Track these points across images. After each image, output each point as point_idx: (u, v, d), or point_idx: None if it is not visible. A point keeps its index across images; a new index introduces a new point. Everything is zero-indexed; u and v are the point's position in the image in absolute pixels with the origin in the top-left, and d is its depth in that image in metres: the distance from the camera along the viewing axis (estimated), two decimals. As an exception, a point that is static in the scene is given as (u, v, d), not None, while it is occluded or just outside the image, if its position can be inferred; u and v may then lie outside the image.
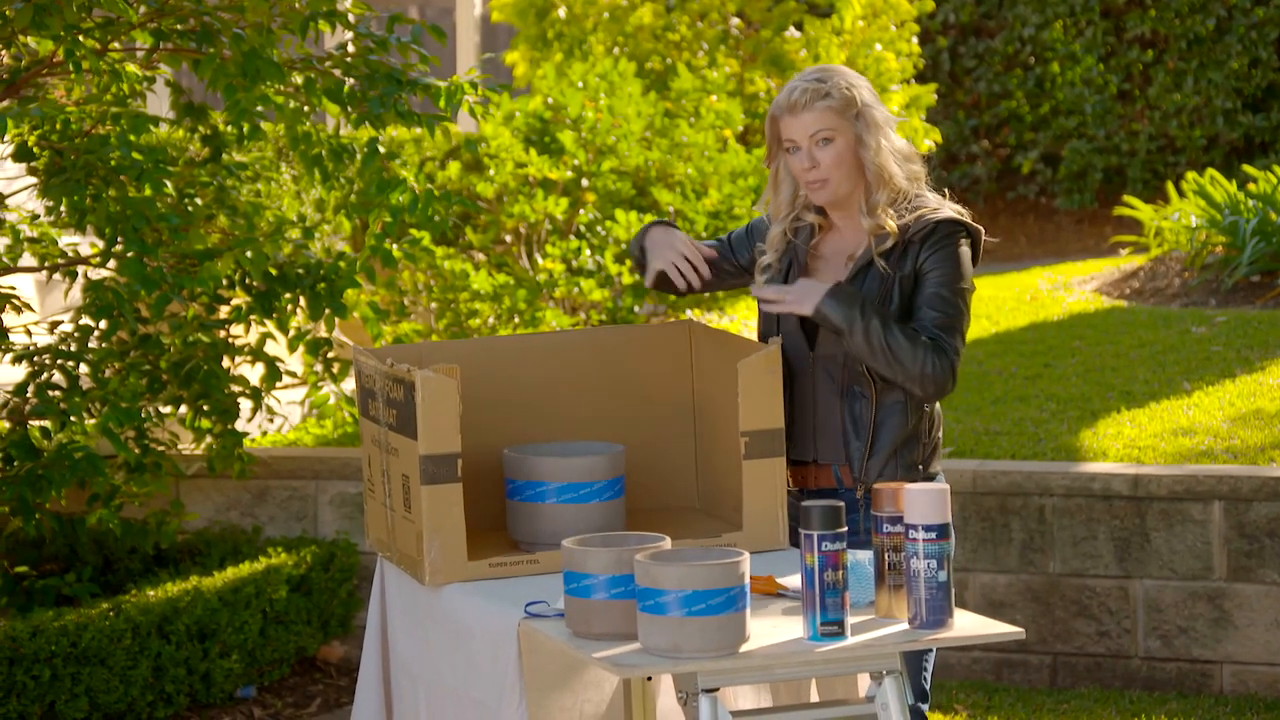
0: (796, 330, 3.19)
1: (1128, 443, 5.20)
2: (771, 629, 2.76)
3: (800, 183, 3.17)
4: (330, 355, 5.15)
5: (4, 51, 4.72)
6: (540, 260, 6.82)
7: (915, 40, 9.07)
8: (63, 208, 4.66)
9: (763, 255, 3.24)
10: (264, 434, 5.80)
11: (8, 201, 4.82)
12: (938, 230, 3.12)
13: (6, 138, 4.45)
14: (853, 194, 3.15)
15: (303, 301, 4.92)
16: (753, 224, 3.32)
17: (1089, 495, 4.89)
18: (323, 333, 5.16)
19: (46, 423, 4.76)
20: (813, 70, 3.15)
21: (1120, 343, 6.28)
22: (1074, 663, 4.93)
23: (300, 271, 4.88)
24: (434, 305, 6.56)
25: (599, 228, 7.29)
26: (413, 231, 5.23)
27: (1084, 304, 7.02)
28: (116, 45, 4.64)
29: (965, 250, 3.15)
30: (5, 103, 4.64)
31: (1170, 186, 8.08)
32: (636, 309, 7.33)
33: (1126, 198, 8.20)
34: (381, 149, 4.68)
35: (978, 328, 6.95)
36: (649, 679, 3.03)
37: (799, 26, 9.01)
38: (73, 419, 4.68)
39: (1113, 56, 10.01)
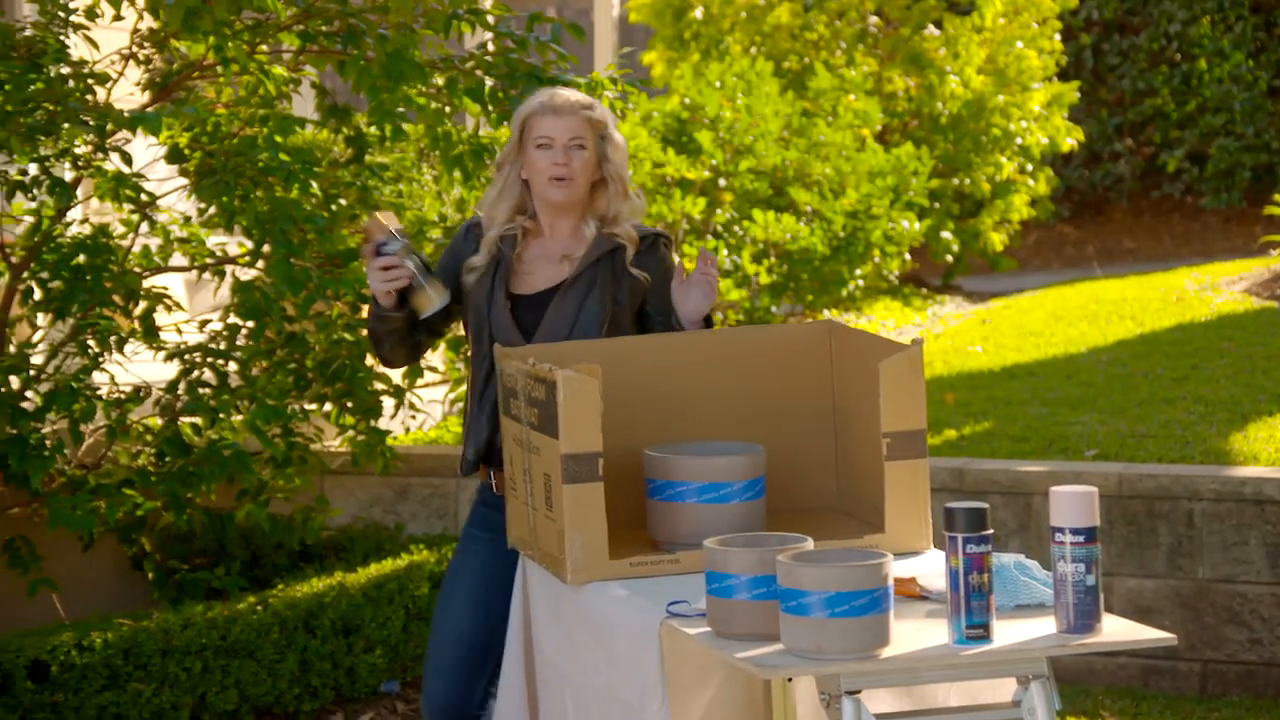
0: (510, 325, 3.42)
1: None
2: (915, 631, 2.73)
3: (543, 179, 3.41)
4: (471, 354, 5.18)
5: (156, 56, 4.82)
6: (678, 260, 6.82)
7: (1057, 37, 8.94)
8: (213, 209, 4.74)
9: (475, 256, 3.48)
10: (406, 431, 5.86)
11: (159, 203, 4.92)
12: (656, 242, 3.51)
13: (159, 140, 4.55)
14: (581, 202, 3.45)
15: (445, 301, 4.95)
16: (450, 245, 3.55)
17: (1240, 500, 4.78)
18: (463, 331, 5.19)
19: (197, 419, 4.85)
20: (568, 89, 3.48)
21: (1271, 344, 6.14)
22: (1224, 670, 4.82)
23: (442, 271, 4.91)
24: (572, 305, 6.59)
25: (736, 227, 7.27)
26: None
27: (1233, 304, 6.87)
28: (264, 48, 4.72)
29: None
30: (158, 105, 4.74)
31: (1323, 184, 7.89)
32: (774, 309, 7.30)
33: (1277, 196, 8.01)
34: (522, 149, 4.70)
35: (1121, 328, 6.83)
36: (790, 680, 3.01)
37: (938, 24, 8.92)
38: (222, 416, 4.77)
39: (1263, 52, 9.79)
